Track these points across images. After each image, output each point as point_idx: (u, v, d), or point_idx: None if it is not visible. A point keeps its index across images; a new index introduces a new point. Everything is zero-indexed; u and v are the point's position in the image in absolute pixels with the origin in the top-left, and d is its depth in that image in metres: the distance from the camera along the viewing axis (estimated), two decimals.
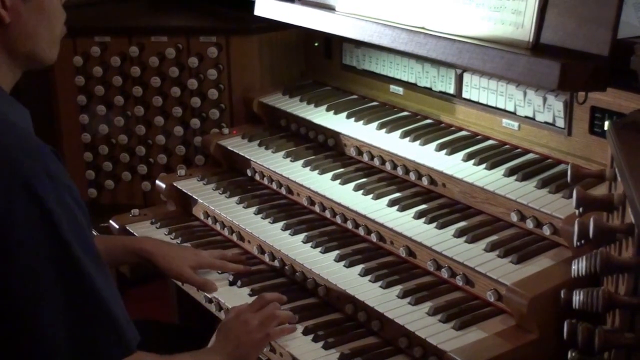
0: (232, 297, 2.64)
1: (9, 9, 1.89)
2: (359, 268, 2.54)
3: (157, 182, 3.38)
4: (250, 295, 2.63)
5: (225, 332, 2.35)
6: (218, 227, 3.07)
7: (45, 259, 1.75)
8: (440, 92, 2.96)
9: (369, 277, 2.49)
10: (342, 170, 2.95)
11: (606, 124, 2.35)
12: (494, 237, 2.41)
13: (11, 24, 1.91)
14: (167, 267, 2.68)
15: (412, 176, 2.75)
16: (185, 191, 3.24)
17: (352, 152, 3.02)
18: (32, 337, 1.75)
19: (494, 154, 2.65)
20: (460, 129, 2.87)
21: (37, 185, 1.74)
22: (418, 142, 2.81)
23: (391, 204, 2.66)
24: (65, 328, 1.76)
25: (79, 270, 1.79)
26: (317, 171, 2.97)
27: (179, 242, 3.03)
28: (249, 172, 3.26)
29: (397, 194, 2.72)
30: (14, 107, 1.95)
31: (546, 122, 2.59)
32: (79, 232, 1.80)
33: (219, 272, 2.76)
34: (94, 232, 3.36)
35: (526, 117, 2.65)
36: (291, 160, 3.08)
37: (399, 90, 3.15)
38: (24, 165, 1.75)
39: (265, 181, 3.16)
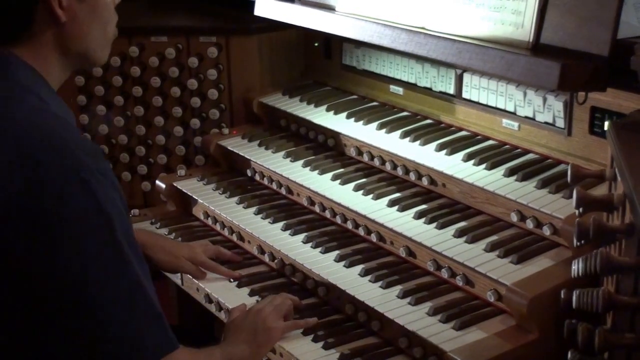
0: (232, 297, 2.64)
1: (65, 9, 1.94)
2: (359, 268, 2.54)
3: (157, 182, 3.38)
4: (250, 295, 2.63)
5: (239, 324, 2.36)
6: (218, 227, 3.07)
7: (97, 251, 1.81)
8: (440, 92, 2.96)
9: (369, 277, 2.49)
10: (342, 170, 2.95)
11: (606, 124, 2.35)
12: (494, 237, 2.41)
13: (66, 24, 1.96)
14: (161, 259, 2.70)
15: (412, 176, 2.75)
16: (185, 191, 3.24)
17: (352, 152, 3.02)
18: (76, 328, 1.80)
19: (494, 154, 2.65)
20: (460, 129, 2.87)
21: (92, 181, 1.80)
22: (418, 142, 2.81)
23: (391, 204, 2.66)
24: (112, 321, 1.81)
25: (128, 265, 1.84)
26: (317, 171, 2.97)
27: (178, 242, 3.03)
28: (249, 172, 3.26)
29: (397, 194, 2.72)
30: (63, 107, 2.00)
31: (546, 122, 2.59)
32: (126, 229, 1.87)
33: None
34: None
35: (526, 117, 2.65)
36: (291, 161, 3.08)
37: (399, 90, 3.15)
38: (82, 161, 1.81)
39: (265, 181, 3.16)
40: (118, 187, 1.90)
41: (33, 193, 1.76)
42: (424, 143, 2.80)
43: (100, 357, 1.82)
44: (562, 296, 1.82)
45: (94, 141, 3.70)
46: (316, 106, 3.27)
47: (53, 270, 1.78)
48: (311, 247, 2.70)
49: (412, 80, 3.07)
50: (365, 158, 2.96)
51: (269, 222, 2.89)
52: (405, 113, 3.08)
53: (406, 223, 2.56)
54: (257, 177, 3.20)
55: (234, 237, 2.98)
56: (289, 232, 2.81)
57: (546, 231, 2.33)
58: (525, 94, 2.62)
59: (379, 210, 2.66)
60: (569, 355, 1.72)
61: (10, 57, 1.93)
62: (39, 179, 1.77)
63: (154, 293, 1.92)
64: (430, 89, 3.01)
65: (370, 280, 2.48)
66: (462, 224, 2.50)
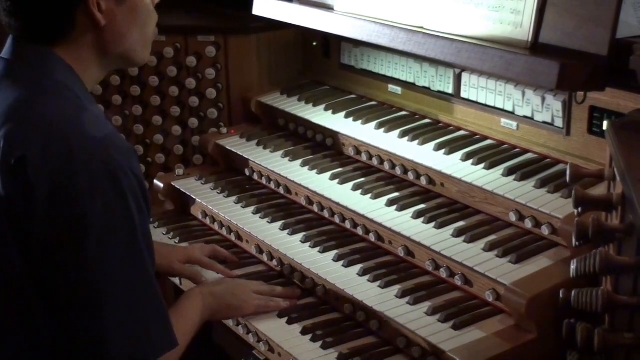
0: None
1: (104, 12, 1.98)
2: (357, 268, 2.54)
3: (155, 181, 3.38)
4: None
5: (215, 288, 2.51)
6: (216, 226, 3.06)
7: (116, 246, 1.86)
8: (439, 91, 2.96)
9: (367, 277, 2.49)
10: (340, 169, 2.95)
11: (605, 123, 2.35)
12: (492, 237, 2.40)
13: (106, 27, 2.00)
14: (157, 265, 2.68)
15: (411, 176, 2.74)
16: (184, 191, 3.23)
17: (350, 151, 3.01)
18: (91, 318, 1.86)
19: (492, 154, 2.65)
20: (459, 129, 2.87)
21: (123, 179, 1.85)
22: (416, 141, 2.81)
23: (390, 203, 2.66)
24: (125, 314, 1.88)
25: (143, 263, 1.91)
26: (315, 171, 2.96)
27: (177, 241, 3.03)
28: (247, 172, 3.26)
29: (396, 194, 2.71)
30: (97, 107, 2.06)
31: (545, 122, 2.58)
32: (145, 229, 1.93)
33: None
34: None
35: (525, 116, 2.65)
36: (289, 160, 3.08)
37: (398, 89, 3.15)
38: (115, 159, 1.86)
39: (264, 181, 3.16)
40: (145, 187, 1.95)
41: (65, 182, 1.82)
42: (423, 142, 2.80)
43: (108, 349, 1.87)
44: (561, 296, 1.82)
45: None
46: (314, 105, 3.26)
47: (74, 258, 1.83)
48: (309, 246, 2.70)
49: (411, 80, 3.07)
50: (364, 157, 2.95)
51: (268, 222, 2.89)
52: (403, 112, 3.07)
53: (405, 222, 2.56)
54: (256, 177, 3.20)
55: (232, 237, 2.98)
56: (287, 231, 2.80)
57: (545, 231, 2.33)
58: (524, 94, 2.62)
59: (377, 209, 2.65)
60: (568, 355, 1.73)
61: (50, 55, 1.97)
62: (71, 169, 1.82)
63: (162, 294, 1.98)
64: (428, 88, 3.00)
65: (368, 280, 2.48)
66: (460, 223, 2.50)
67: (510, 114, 2.69)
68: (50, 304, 1.86)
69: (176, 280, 2.91)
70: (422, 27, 2.71)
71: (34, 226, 1.82)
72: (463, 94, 2.85)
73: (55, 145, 1.83)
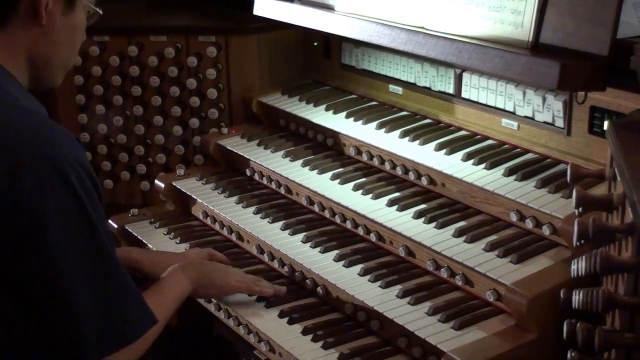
0: (231, 296, 2.63)
1: (48, 12, 1.98)
2: (358, 268, 2.54)
3: (156, 181, 3.38)
4: (250, 295, 2.63)
5: (199, 265, 2.58)
6: (217, 226, 3.07)
7: (76, 238, 1.87)
8: (440, 91, 2.96)
9: (368, 277, 2.49)
10: (341, 169, 2.95)
11: (605, 123, 2.35)
12: (493, 237, 2.40)
13: (43, 29, 1.99)
14: (152, 272, 2.64)
15: (412, 176, 2.74)
16: (184, 191, 3.23)
17: (351, 151, 3.01)
18: (64, 312, 1.87)
19: (493, 154, 2.65)
20: (460, 129, 2.87)
21: (69, 171, 1.85)
22: (417, 141, 2.81)
23: (390, 203, 2.66)
24: (96, 301, 1.89)
25: (105, 249, 1.93)
26: (316, 171, 2.96)
27: (177, 241, 3.03)
28: (248, 172, 3.26)
29: (396, 194, 2.71)
30: (34, 103, 2.03)
31: (545, 122, 2.58)
32: (100, 217, 1.94)
33: None
34: None
35: (525, 116, 2.65)
36: (290, 160, 3.08)
37: (398, 89, 3.15)
38: (59, 152, 1.86)
39: (265, 181, 3.16)
40: (93, 174, 1.94)
41: (14, 187, 1.80)
42: (423, 142, 2.80)
43: (86, 335, 1.88)
44: (562, 296, 1.82)
45: (93, 141, 3.71)
46: (315, 106, 3.26)
47: (36, 259, 1.83)
48: (310, 246, 2.70)
49: (412, 80, 3.07)
50: (365, 157, 2.95)
51: (268, 222, 2.89)
52: (404, 112, 3.07)
53: (405, 223, 2.56)
54: (256, 177, 3.20)
55: (233, 237, 2.98)
56: (288, 231, 2.80)
57: (545, 231, 2.33)
58: (524, 94, 2.62)
59: (378, 209, 2.66)
60: (569, 355, 1.72)
61: None
62: (17, 173, 1.81)
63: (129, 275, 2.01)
64: (429, 88, 3.00)
65: (369, 280, 2.48)
66: (461, 223, 2.50)
67: (511, 114, 2.69)
68: (22, 311, 1.85)
69: None
70: (422, 27, 2.71)
71: None
72: (464, 94, 2.85)
73: None
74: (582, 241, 1.75)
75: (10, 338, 1.87)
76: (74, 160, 1.87)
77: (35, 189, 1.81)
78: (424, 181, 2.72)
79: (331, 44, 3.44)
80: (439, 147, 2.74)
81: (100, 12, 2.19)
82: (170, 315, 2.31)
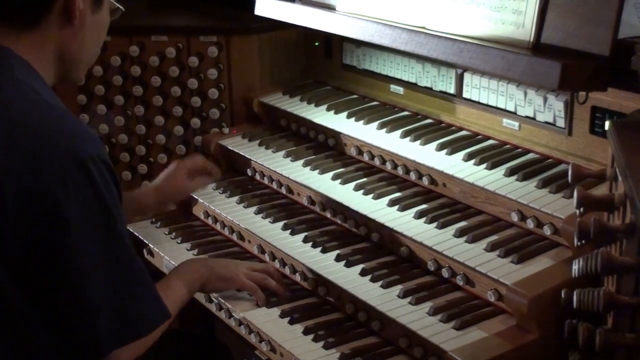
0: (232, 296, 2.64)
1: (80, 12, 2.01)
2: (359, 268, 2.54)
3: None
4: (250, 295, 2.63)
5: (207, 259, 2.64)
6: (218, 226, 3.07)
7: (96, 231, 1.89)
8: (441, 91, 2.96)
9: (369, 277, 2.49)
10: (342, 170, 2.95)
11: (607, 123, 2.35)
12: (494, 237, 2.40)
13: (74, 28, 2.02)
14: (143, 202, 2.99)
15: (413, 176, 2.74)
16: None
17: (352, 151, 3.01)
18: (80, 304, 1.89)
19: (494, 154, 2.65)
20: (461, 129, 2.87)
21: (91, 166, 1.87)
22: (418, 141, 2.81)
23: (391, 203, 2.66)
24: (113, 293, 1.91)
25: (124, 245, 1.96)
26: (317, 171, 2.96)
27: (179, 241, 3.04)
28: (249, 172, 3.26)
29: (398, 194, 2.71)
30: (56, 100, 2.04)
31: (547, 122, 2.58)
32: (119, 212, 1.96)
33: None
34: None
35: (527, 117, 2.65)
36: (291, 160, 3.08)
37: (400, 90, 3.15)
38: (81, 148, 1.88)
39: (266, 181, 3.16)
40: (115, 173, 1.98)
41: (37, 181, 1.82)
42: (425, 143, 2.80)
43: (100, 326, 1.90)
44: (563, 296, 1.82)
45: None
46: (316, 106, 3.26)
47: (56, 254, 1.85)
48: (311, 246, 2.70)
49: (413, 80, 3.07)
50: (366, 158, 2.95)
51: (269, 222, 2.89)
52: (405, 113, 3.07)
53: (406, 223, 2.56)
54: (257, 177, 3.20)
55: (234, 237, 2.98)
56: (289, 231, 2.80)
57: (547, 231, 2.33)
58: (525, 94, 2.62)
59: (379, 209, 2.66)
60: (570, 355, 1.73)
61: (7, 53, 1.97)
62: (40, 166, 1.83)
63: (146, 270, 2.04)
64: (430, 88, 3.00)
65: (370, 280, 2.48)
66: (462, 223, 2.50)
67: (512, 114, 2.69)
68: (37, 303, 1.87)
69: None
70: (424, 27, 2.71)
71: (8, 227, 1.81)
72: (465, 94, 2.85)
73: (20, 144, 1.84)
74: (583, 241, 1.75)
75: (24, 328, 1.88)
76: (96, 156, 1.89)
77: (58, 184, 1.83)
78: (425, 181, 2.71)
79: (332, 44, 3.44)
80: (440, 147, 2.74)
81: (123, 9, 2.21)
82: (176, 313, 2.32)
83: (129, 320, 1.95)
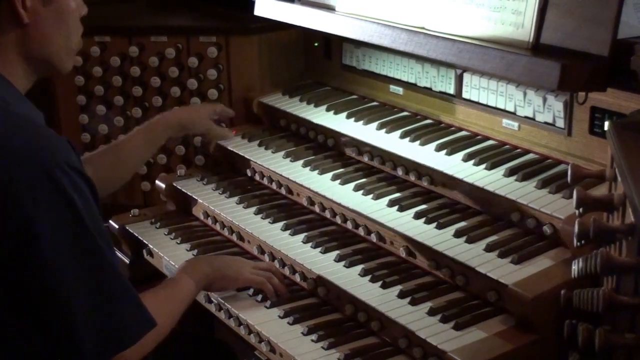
0: (232, 296, 2.64)
1: (28, 10, 1.95)
2: (358, 268, 2.54)
3: (157, 182, 3.38)
4: (250, 295, 2.63)
5: (212, 258, 2.63)
6: (218, 227, 3.07)
7: (70, 244, 1.85)
8: (440, 92, 2.96)
9: (368, 277, 2.49)
10: (342, 170, 2.95)
11: (606, 124, 2.35)
12: (493, 237, 2.40)
13: (29, 26, 1.97)
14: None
15: (412, 176, 2.74)
16: (185, 191, 3.23)
17: (352, 152, 3.01)
18: (60, 317, 1.86)
19: (494, 154, 2.65)
20: (460, 129, 2.87)
21: (60, 176, 1.82)
22: (418, 142, 2.81)
23: (391, 204, 2.66)
24: (93, 306, 1.88)
25: (101, 254, 1.91)
26: (317, 171, 2.96)
27: (178, 242, 3.04)
28: (248, 172, 3.26)
29: (397, 194, 2.71)
30: (29, 108, 2.02)
31: (546, 122, 2.58)
32: (95, 219, 1.92)
33: None
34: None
35: (526, 117, 2.65)
36: (291, 161, 3.08)
37: (399, 90, 3.15)
38: (47, 158, 1.83)
39: (265, 181, 3.16)
40: (86, 176, 1.92)
41: (5, 196, 1.79)
42: (424, 143, 2.80)
43: (84, 340, 1.88)
44: (563, 296, 1.82)
45: (94, 141, 3.71)
46: (316, 106, 3.26)
47: (31, 267, 1.82)
48: (311, 247, 2.70)
49: (412, 80, 3.07)
50: (365, 158, 2.95)
51: (269, 222, 2.89)
52: (405, 113, 3.07)
53: (406, 223, 2.56)
54: (257, 177, 3.20)
55: (234, 237, 2.98)
56: (288, 232, 2.81)
57: (546, 231, 2.33)
58: (525, 94, 2.62)
59: (378, 210, 2.65)
60: (569, 355, 1.73)
61: None
62: (8, 182, 1.79)
63: (126, 278, 2.00)
64: (430, 89, 3.00)
65: (370, 280, 2.48)
66: (461, 223, 2.50)
67: (512, 115, 2.69)
68: (20, 315, 1.85)
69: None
70: (423, 28, 2.72)
71: None
72: (464, 95, 2.85)
73: None
74: (583, 241, 1.75)
75: (8, 345, 1.87)
76: (66, 165, 1.85)
77: (26, 198, 1.79)
78: (424, 182, 2.72)
79: (332, 44, 3.44)
80: (440, 148, 2.74)
81: None
82: (177, 317, 2.31)
83: (112, 333, 1.93)
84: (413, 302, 2.35)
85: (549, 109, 2.56)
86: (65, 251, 1.85)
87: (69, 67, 2.13)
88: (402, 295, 2.39)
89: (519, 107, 2.65)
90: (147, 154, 3.07)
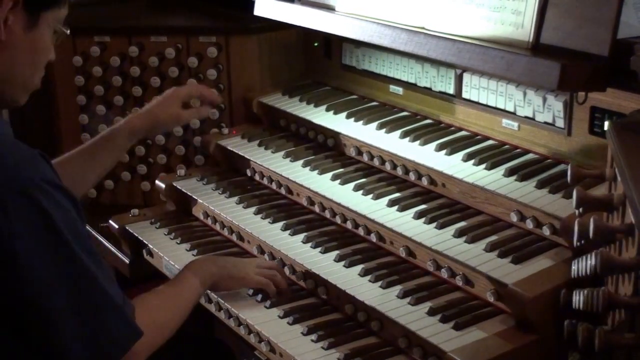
0: (232, 296, 2.64)
1: (8, 28, 1.90)
2: (358, 268, 2.54)
3: (157, 182, 3.38)
4: (250, 295, 2.63)
5: (218, 258, 2.62)
6: (218, 227, 3.07)
7: (50, 261, 1.83)
8: (440, 92, 2.96)
9: (368, 277, 2.49)
10: (341, 170, 2.95)
11: (606, 124, 2.35)
12: (493, 237, 2.40)
13: (3, 44, 1.91)
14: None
15: (412, 176, 2.74)
16: (185, 191, 3.23)
17: (351, 152, 3.01)
18: (46, 334, 1.85)
19: (493, 154, 2.65)
20: (460, 129, 2.87)
21: (33, 191, 1.79)
22: (418, 142, 2.81)
23: (391, 204, 2.66)
24: (78, 321, 1.86)
25: (82, 266, 1.88)
26: (316, 171, 2.96)
27: (178, 242, 3.03)
28: (248, 172, 3.26)
29: (397, 194, 2.71)
30: (1, 127, 1.96)
31: (546, 122, 2.58)
32: (76, 231, 1.88)
33: None
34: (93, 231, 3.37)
35: (526, 117, 2.65)
36: (291, 160, 3.08)
37: (399, 90, 3.15)
38: (20, 174, 1.80)
39: (265, 181, 3.16)
40: (63, 186, 1.89)
41: None
42: (424, 143, 2.80)
43: (71, 354, 1.87)
44: (562, 296, 1.82)
45: None
46: (316, 106, 3.26)
47: (12, 281, 1.80)
48: (311, 247, 2.70)
49: (412, 80, 3.07)
50: (365, 158, 2.95)
51: (269, 222, 2.89)
52: (405, 113, 3.07)
53: (406, 223, 2.56)
54: (257, 177, 3.20)
55: (234, 237, 2.98)
56: (288, 232, 2.80)
57: (546, 231, 2.33)
58: (525, 94, 2.62)
59: (378, 210, 2.66)
60: (569, 355, 1.73)
61: None
62: None
63: (116, 288, 1.97)
64: (430, 88, 3.00)
65: (370, 280, 2.48)
66: (461, 223, 2.50)
67: (512, 115, 2.69)
68: (4, 331, 1.84)
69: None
70: (423, 28, 2.72)
71: None
72: (464, 95, 2.85)
73: None
74: (583, 241, 1.75)
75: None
76: (40, 180, 1.82)
77: (2, 216, 1.76)
78: (424, 181, 2.72)
79: (332, 44, 3.44)
80: (440, 148, 2.74)
81: (67, 32, 2.08)
82: (184, 316, 2.31)
83: (100, 347, 1.91)
84: (413, 302, 2.35)
85: (548, 109, 2.56)
86: (45, 268, 1.82)
87: (21, 102, 2.05)
88: (402, 295, 2.39)
89: (518, 107, 2.66)
90: (110, 163, 2.86)
